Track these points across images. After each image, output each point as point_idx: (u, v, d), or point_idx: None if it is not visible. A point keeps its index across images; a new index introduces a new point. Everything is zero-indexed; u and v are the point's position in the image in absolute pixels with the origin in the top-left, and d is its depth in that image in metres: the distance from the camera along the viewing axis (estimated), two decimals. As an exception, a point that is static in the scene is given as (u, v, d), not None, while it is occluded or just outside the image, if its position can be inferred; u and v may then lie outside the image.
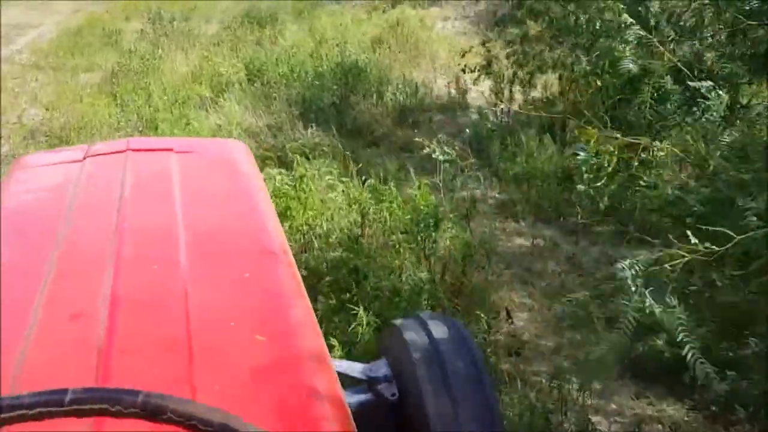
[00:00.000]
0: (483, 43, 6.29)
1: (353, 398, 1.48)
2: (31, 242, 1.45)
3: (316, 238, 3.41)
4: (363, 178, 4.14)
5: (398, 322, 1.81)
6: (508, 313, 3.30)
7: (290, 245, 1.60)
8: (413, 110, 6.47)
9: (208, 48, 10.15)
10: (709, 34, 3.25)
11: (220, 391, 0.96)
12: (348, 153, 4.59)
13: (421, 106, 6.68)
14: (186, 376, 0.98)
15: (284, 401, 1.00)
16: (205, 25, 13.80)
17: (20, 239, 1.46)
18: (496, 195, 4.60)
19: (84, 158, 1.83)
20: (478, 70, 6.15)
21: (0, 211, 1.61)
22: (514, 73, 5.81)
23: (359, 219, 3.40)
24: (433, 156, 3.50)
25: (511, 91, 6.05)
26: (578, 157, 2.23)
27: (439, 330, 1.66)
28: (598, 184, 2.28)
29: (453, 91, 7.20)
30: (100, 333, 1.06)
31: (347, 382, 1.48)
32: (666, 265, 1.76)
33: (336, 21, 10.97)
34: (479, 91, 7.36)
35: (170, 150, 1.85)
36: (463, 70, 6.38)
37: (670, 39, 3.26)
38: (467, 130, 6.12)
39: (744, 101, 3.10)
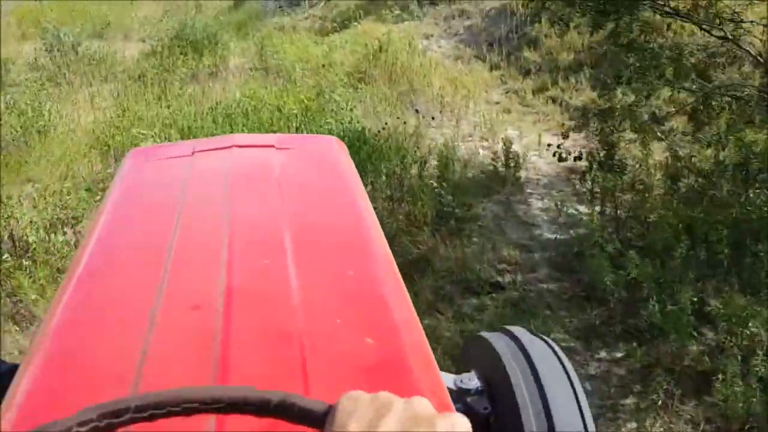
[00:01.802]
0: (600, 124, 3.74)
1: None
2: (149, 232, 1.47)
3: None
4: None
5: (486, 334, 1.68)
6: None
7: None
8: (452, 200, 4.04)
9: (125, 85, 7.44)
10: None
11: (331, 386, 0.90)
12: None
13: (458, 185, 4.29)
14: (299, 371, 0.97)
15: None
16: (123, 45, 10.90)
17: (138, 228, 1.52)
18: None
19: (193, 153, 1.84)
20: (594, 162, 3.66)
21: (113, 198, 1.68)
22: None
23: None
24: None
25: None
26: None
27: (530, 344, 1.55)
28: None
29: (491, 158, 4.86)
30: (217, 325, 1.06)
31: None
32: None
33: (296, 46, 8.40)
34: (530, 157, 5.04)
35: (272, 146, 1.88)
36: (561, 157, 3.93)
37: None
38: (540, 231, 3.79)
39: None
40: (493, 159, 4.70)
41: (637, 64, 3.24)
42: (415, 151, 4.37)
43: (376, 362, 1.04)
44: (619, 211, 3.52)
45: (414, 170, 4.10)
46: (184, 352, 1.01)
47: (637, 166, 3.63)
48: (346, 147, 2.03)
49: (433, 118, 6.08)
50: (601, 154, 3.54)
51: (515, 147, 5.34)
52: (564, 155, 3.78)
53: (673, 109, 3.57)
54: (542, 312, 3.14)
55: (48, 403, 0.90)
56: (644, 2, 3.03)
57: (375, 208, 3.08)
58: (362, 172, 3.98)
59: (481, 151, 5.33)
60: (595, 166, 3.60)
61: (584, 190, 4.18)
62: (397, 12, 9.72)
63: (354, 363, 1.02)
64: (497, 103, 6.71)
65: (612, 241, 3.16)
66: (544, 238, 3.89)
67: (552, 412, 1.40)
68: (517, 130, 5.84)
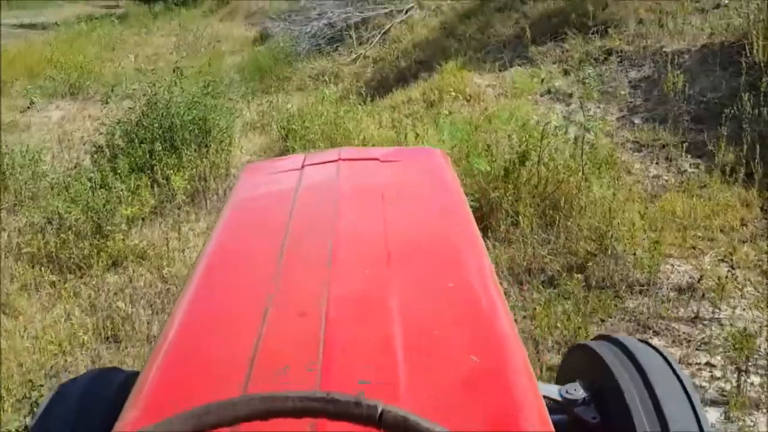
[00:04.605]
0: None
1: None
2: (262, 241, 1.52)
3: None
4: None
5: (591, 343, 1.66)
6: None
7: None
8: None
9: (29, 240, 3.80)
10: None
11: (427, 399, 0.93)
12: None
13: None
14: (396, 380, 0.98)
15: (491, 415, 0.94)
16: (93, 112, 7.44)
17: (252, 238, 1.56)
18: None
19: (303, 166, 1.91)
20: None
21: (231, 209, 1.76)
22: None
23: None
24: None
25: None
26: None
27: (637, 351, 1.51)
28: None
29: None
30: (321, 333, 1.09)
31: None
32: None
33: (344, 127, 4.68)
34: None
35: (377, 159, 1.92)
36: None
37: None
38: None
39: None
40: None
41: None
42: None
43: (476, 375, 0.99)
44: None
45: None
46: (290, 358, 1.03)
47: None
48: (449, 158, 2.05)
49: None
50: None
51: None
52: None
53: None
54: None
55: (169, 402, 0.94)
56: None
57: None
58: None
59: None
60: None
61: None
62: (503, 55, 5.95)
63: (454, 377, 0.99)
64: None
65: None
66: None
67: (666, 419, 1.31)
68: None
